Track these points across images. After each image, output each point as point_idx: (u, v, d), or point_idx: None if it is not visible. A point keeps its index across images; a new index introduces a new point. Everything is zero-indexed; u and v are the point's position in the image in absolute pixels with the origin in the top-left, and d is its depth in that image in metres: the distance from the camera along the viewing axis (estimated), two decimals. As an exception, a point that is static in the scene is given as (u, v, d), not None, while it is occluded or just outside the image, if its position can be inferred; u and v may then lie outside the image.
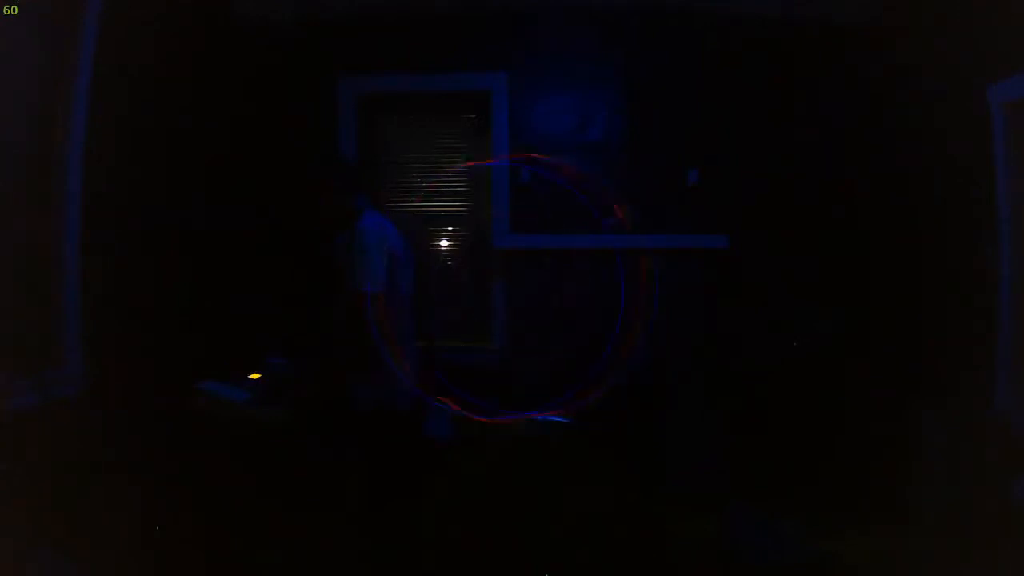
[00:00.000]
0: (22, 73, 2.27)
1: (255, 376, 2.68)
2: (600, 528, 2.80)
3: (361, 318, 2.33)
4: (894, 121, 3.48)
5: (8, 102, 2.22)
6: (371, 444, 2.47)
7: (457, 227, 3.87)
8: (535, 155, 3.66)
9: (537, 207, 3.70)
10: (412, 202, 3.84)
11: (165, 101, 3.00)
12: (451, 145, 3.87)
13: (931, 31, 3.19)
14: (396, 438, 2.52)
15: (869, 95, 3.60)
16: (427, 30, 3.73)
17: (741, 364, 3.52)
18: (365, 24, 3.74)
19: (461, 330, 3.83)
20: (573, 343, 3.63)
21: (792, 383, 3.42)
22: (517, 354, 3.68)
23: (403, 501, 2.53)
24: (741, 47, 3.68)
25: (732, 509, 2.80)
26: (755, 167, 3.68)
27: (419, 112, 3.87)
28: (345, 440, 2.51)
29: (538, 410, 3.35)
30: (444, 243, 3.88)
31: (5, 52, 2.17)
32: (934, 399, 2.87)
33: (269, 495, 2.51)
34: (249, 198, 3.68)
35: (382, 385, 2.46)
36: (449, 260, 3.89)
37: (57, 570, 1.97)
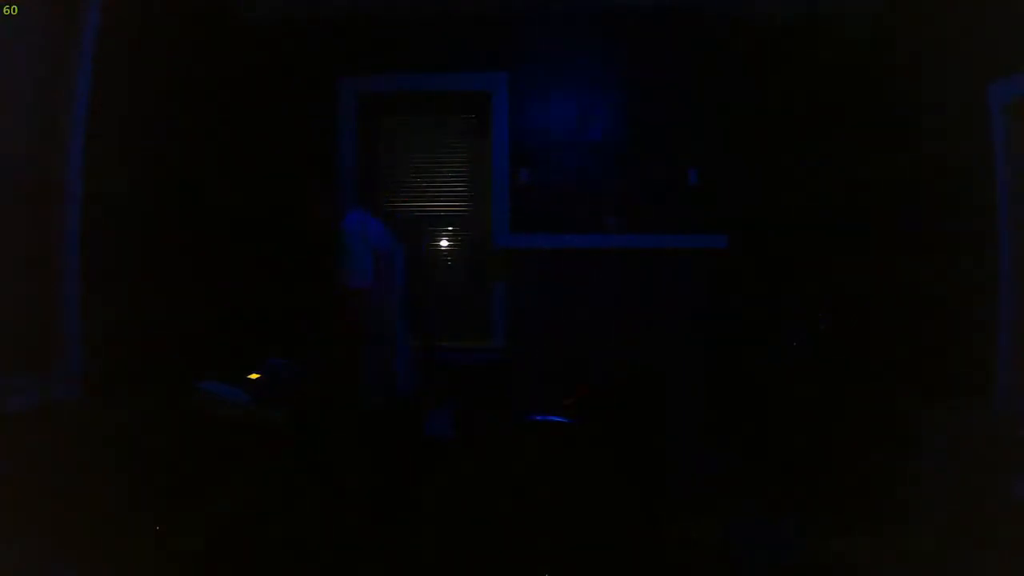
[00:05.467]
0: (22, 73, 2.27)
1: (255, 376, 2.68)
2: (600, 529, 2.80)
3: (347, 315, 2.34)
4: (894, 121, 3.48)
5: (8, 102, 2.22)
6: (372, 444, 2.48)
7: (457, 227, 3.87)
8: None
9: (537, 207, 3.70)
10: (412, 202, 3.84)
11: (165, 101, 3.00)
12: (451, 145, 3.87)
13: (931, 31, 3.19)
14: (396, 438, 2.52)
15: (869, 95, 3.60)
16: (427, 30, 3.73)
17: (740, 364, 3.52)
18: (365, 24, 3.74)
19: (461, 330, 3.83)
20: (573, 343, 3.62)
21: (792, 383, 3.42)
22: (517, 354, 3.67)
23: (403, 501, 2.54)
24: (741, 47, 3.68)
25: (732, 509, 2.80)
26: (755, 167, 3.68)
27: (419, 112, 3.87)
28: (345, 440, 2.51)
29: (538, 410, 3.35)
30: (444, 243, 3.89)
31: (5, 52, 2.17)
32: (934, 399, 2.86)
33: (269, 495, 2.51)
34: (250, 198, 3.68)
35: (379, 384, 2.46)
36: (449, 260, 3.89)
37: (57, 570, 1.97)
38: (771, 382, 3.44)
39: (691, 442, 3.39)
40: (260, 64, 3.74)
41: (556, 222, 3.68)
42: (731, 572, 2.57)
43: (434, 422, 3.07)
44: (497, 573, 2.62)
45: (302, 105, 3.77)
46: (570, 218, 3.67)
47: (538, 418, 3.22)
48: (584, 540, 2.72)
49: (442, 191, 3.87)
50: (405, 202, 3.85)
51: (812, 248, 3.63)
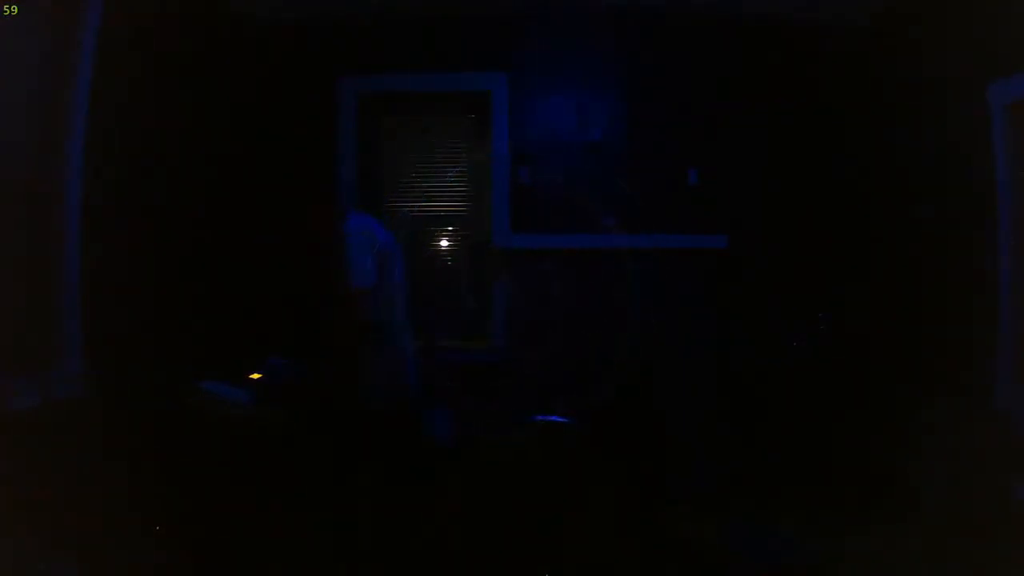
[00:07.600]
0: (22, 73, 2.27)
1: (255, 376, 2.68)
2: (600, 529, 2.80)
3: (351, 314, 2.36)
4: (894, 121, 3.48)
5: (8, 101, 2.22)
6: (372, 444, 2.48)
7: (457, 227, 3.87)
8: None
9: (537, 207, 3.69)
10: (412, 202, 3.84)
11: (165, 101, 3.00)
12: (451, 145, 3.87)
13: (931, 31, 3.19)
14: (397, 438, 2.53)
15: (869, 95, 3.59)
16: (427, 30, 3.73)
17: (740, 364, 3.52)
18: (365, 24, 3.73)
19: (461, 330, 3.82)
20: (573, 343, 3.62)
21: (792, 383, 3.42)
22: (517, 354, 3.67)
23: (404, 501, 2.54)
24: (741, 47, 3.68)
25: (732, 509, 2.80)
26: (755, 167, 3.68)
27: (419, 112, 3.87)
28: (345, 439, 2.51)
29: (538, 410, 3.35)
30: (444, 243, 3.88)
31: (5, 52, 2.17)
32: (934, 399, 2.86)
33: (269, 495, 2.51)
34: (249, 198, 3.68)
35: (380, 384, 2.47)
36: (449, 260, 3.89)
37: (57, 570, 1.97)
38: (771, 382, 3.44)
39: (691, 442, 3.39)
40: (260, 64, 3.74)
41: (556, 222, 3.68)
42: (731, 572, 2.57)
43: (433, 422, 3.07)
44: (497, 573, 2.62)
45: (302, 105, 3.77)
46: (570, 218, 3.67)
47: (538, 418, 3.22)
48: (584, 540, 2.72)
49: (442, 191, 3.87)
50: (405, 202, 3.85)
51: (812, 248, 3.62)
